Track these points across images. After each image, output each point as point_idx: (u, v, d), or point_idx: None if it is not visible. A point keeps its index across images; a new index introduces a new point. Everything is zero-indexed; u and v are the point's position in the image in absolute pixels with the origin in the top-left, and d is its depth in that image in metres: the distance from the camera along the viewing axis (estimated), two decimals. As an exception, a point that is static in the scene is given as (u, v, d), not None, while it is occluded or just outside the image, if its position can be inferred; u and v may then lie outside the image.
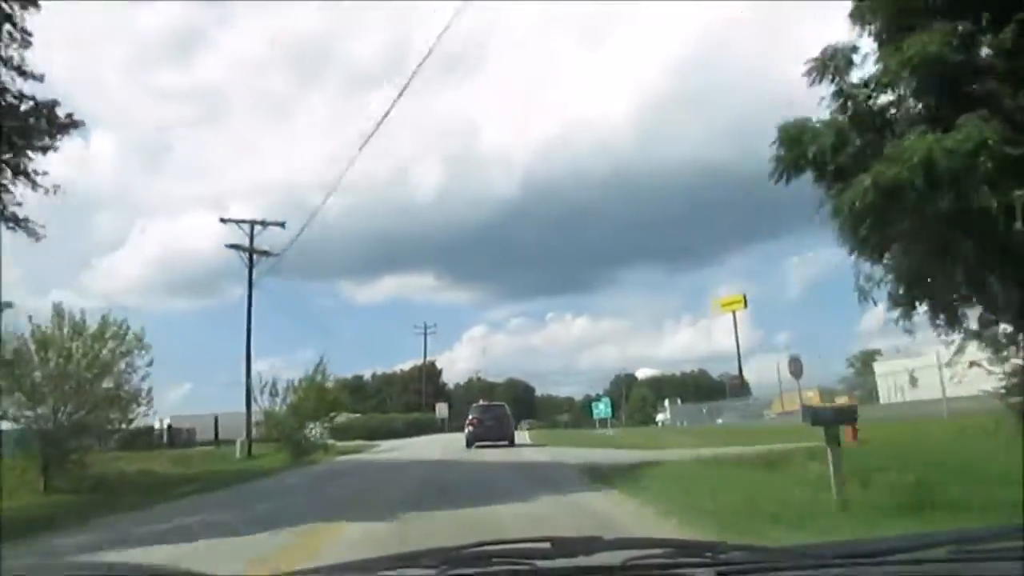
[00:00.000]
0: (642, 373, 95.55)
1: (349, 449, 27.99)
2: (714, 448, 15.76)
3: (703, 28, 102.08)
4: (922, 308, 9.32)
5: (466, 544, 1.58)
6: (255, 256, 26.62)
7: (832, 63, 8.88)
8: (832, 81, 8.92)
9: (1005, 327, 9.15)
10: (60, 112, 15.16)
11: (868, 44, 9.13)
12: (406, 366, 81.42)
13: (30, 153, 15.06)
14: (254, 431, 25.29)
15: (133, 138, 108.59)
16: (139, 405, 17.50)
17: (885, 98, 8.80)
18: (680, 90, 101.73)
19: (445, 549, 1.55)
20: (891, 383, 40.99)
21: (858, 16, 9.10)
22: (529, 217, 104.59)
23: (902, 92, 8.61)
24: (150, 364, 17.59)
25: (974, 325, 9.26)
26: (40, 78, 14.93)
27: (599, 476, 12.42)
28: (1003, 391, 9.78)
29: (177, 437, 42.28)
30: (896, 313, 9.18)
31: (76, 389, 16.05)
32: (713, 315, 67.28)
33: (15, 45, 14.53)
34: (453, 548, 1.55)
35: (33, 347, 16.01)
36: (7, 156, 14.81)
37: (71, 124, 15.41)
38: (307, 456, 22.70)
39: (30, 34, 14.64)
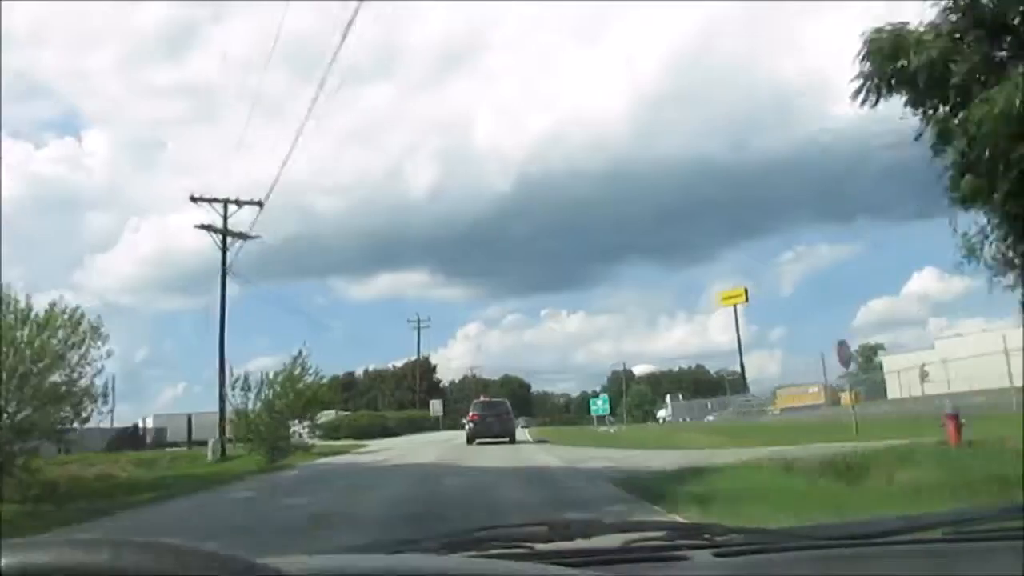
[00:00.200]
0: (639, 369, 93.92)
1: (333, 450, 25.86)
2: (751, 448, 13.90)
3: (698, 24, 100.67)
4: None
5: (466, 528, 1.62)
6: (228, 239, 24.63)
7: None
8: None
9: None
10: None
11: None
12: (399, 362, 78.87)
13: None
14: (228, 430, 23.24)
15: (126, 135, 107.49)
16: (93, 402, 15.97)
17: None
18: (675, 86, 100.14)
19: (445, 533, 1.55)
20: (901, 379, 39.84)
21: None
22: (524, 213, 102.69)
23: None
24: (108, 356, 16.33)
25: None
26: None
27: (645, 492, 9.15)
28: None
29: (161, 437, 41.85)
30: (1004, 277, 7.32)
31: (20, 384, 14.36)
32: (714, 309, 65.92)
33: None
34: (453, 532, 1.58)
35: (-32, 336, 14.31)
36: None
37: None
38: (285, 458, 20.60)
39: None
